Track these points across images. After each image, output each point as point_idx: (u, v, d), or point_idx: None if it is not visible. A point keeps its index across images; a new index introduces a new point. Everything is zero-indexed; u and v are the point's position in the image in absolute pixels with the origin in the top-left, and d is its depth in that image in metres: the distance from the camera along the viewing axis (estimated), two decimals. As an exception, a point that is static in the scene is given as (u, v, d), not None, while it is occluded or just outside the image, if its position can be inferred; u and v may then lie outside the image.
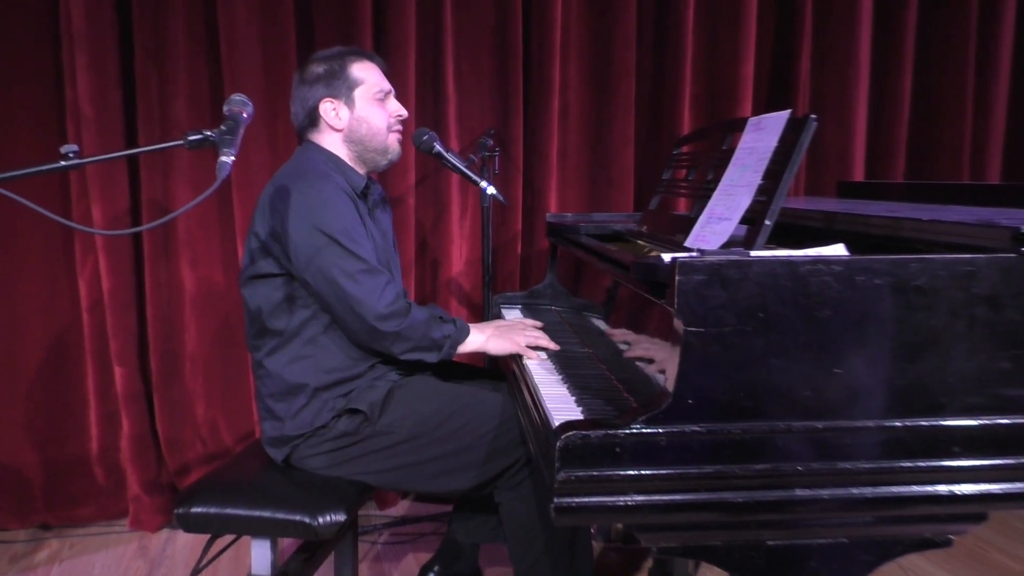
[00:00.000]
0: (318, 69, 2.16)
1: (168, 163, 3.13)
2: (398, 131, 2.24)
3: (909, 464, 1.43)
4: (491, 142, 2.96)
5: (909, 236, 1.68)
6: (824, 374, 1.41)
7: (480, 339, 2.16)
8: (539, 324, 2.39)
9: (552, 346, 2.16)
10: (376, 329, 2.00)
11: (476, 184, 2.57)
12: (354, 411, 2.06)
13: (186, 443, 3.29)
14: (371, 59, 2.22)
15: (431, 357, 2.09)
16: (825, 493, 1.42)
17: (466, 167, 2.53)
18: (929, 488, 1.44)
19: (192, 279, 3.21)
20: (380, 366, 2.14)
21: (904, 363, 1.43)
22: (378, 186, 2.33)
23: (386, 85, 2.22)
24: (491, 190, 2.58)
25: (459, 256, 3.37)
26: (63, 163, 1.55)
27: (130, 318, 3.18)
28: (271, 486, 2.05)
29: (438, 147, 2.49)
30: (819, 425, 1.42)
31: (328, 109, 2.15)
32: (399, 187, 3.18)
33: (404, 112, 2.25)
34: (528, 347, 2.15)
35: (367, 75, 2.18)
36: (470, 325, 2.18)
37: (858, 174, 3.51)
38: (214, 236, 3.22)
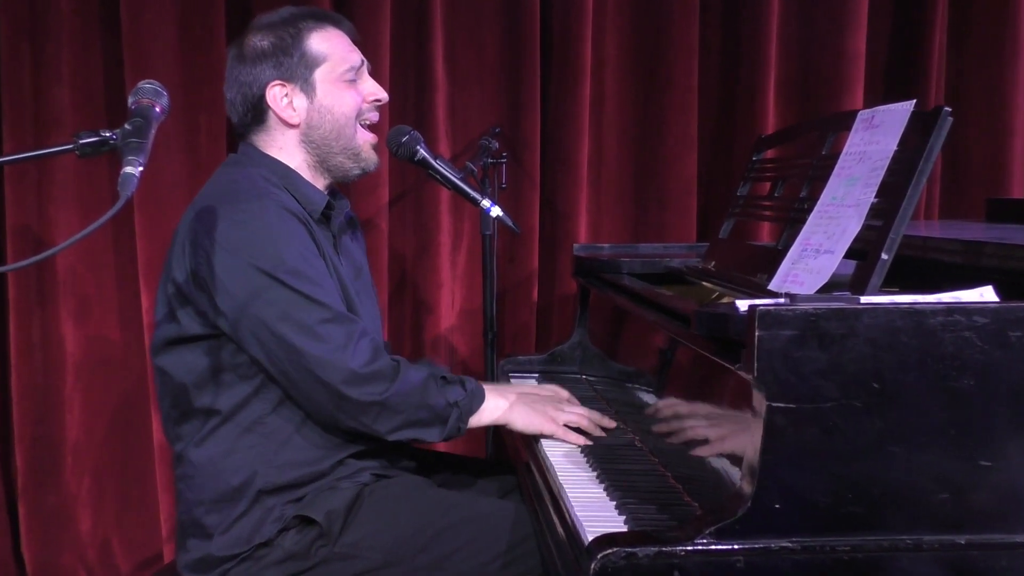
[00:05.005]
0: (262, 42, 2.19)
1: (44, 175, 3.20)
2: (371, 122, 2.28)
3: (1099, 598, 1.45)
4: (496, 145, 3.00)
5: (1086, 275, 1.71)
6: (966, 468, 1.43)
7: (501, 407, 2.17)
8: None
9: (606, 424, 2.19)
10: (349, 399, 2.01)
11: (475, 203, 2.60)
12: (307, 521, 2.08)
13: (64, 571, 3.30)
14: (336, 24, 2.26)
15: (432, 435, 2.09)
16: (974, 638, 1.44)
17: (461, 179, 2.56)
18: None
19: (77, 339, 3.25)
20: (352, 461, 2.14)
21: (1084, 454, 1.45)
22: (345, 202, 2.37)
23: (356, 58, 2.25)
24: (496, 211, 2.61)
25: (450, 304, 3.40)
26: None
27: (-13, 393, 3.22)
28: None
29: (422, 152, 2.52)
30: (961, 540, 1.43)
31: (278, 96, 2.19)
32: (367, 206, 3.23)
33: (383, 95, 2.29)
34: (569, 427, 2.17)
35: (331, 48, 2.21)
36: (487, 388, 2.19)
37: (1017, 189, 3.53)
38: (108, 278, 3.27)
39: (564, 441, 2.14)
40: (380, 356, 2.05)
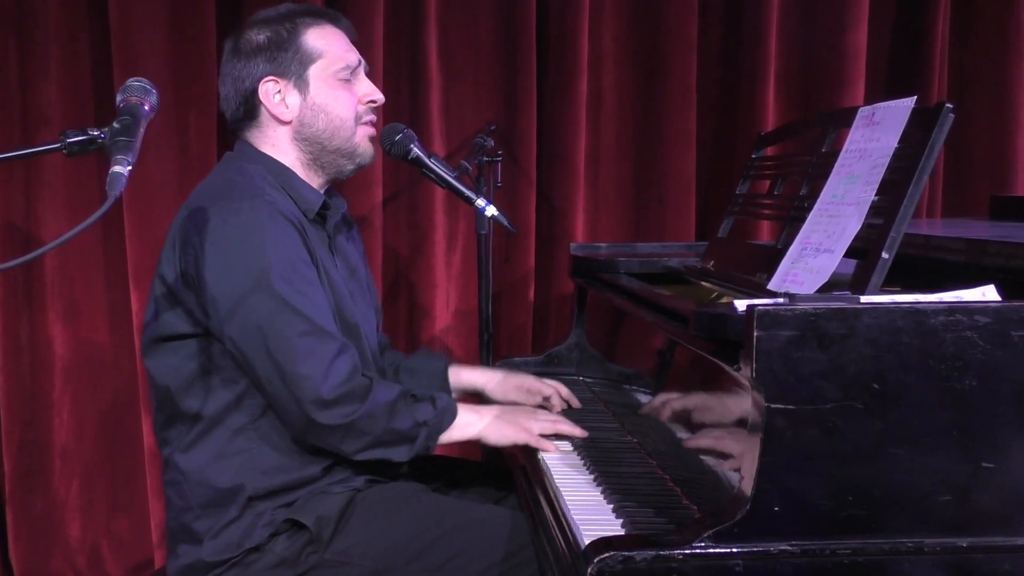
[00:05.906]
0: (258, 36, 2.20)
1: (31, 173, 3.20)
2: (370, 122, 2.29)
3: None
4: (491, 143, 2.99)
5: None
6: (968, 470, 1.43)
7: (474, 423, 2.18)
8: (563, 389, 2.42)
9: (579, 433, 2.19)
10: (315, 422, 2.01)
11: (470, 202, 2.60)
12: (298, 526, 2.08)
13: (53, 578, 3.30)
14: (334, 22, 2.26)
15: (400, 454, 2.10)
16: (976, 643, 1.44)
17: (455, 178, 2.56)
18: None
19: (65, 340, 3.25)
20: (344, 465, 2.14)
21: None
22: (341, 201, 2.37)
23: (353, 58, 2.26)
24: (491, 210, 2.60)
25: (445, 305, 3.39)
26: None
27: (-27, 396, 3.22)
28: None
29: (416, 150, 2.52)
30: (963, 543, 1.44)
31: (270, 92, 2.19)
32: (361, 206, 3.22)
33: (379, 96, 2.30)
34: (544, 436, 2.17)
35: (327, 45, 2.22)
36: (460, 405, 2.19)
37: (1022, 186, 3.53)
38: (97, 279, 3.27)
39: (540, 450, 2.14)
40: (355, 376, 2.04)
